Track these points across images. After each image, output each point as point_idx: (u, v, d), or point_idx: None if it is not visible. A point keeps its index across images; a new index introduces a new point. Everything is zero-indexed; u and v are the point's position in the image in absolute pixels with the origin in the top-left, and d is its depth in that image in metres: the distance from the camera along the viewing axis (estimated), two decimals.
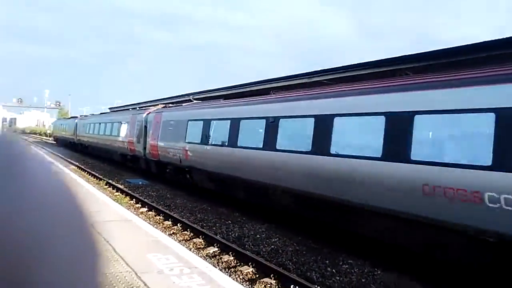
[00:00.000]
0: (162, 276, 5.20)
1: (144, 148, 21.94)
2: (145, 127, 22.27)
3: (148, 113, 22.89)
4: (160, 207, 14.30)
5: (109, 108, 48.70)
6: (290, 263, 9.06)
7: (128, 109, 33.63)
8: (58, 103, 59.14)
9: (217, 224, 12.43)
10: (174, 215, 13.06)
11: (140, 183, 20.60)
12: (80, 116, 48.12)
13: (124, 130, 25.93)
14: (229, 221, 12.74)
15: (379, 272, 8.49)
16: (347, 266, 8.86)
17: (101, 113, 43.90)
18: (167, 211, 13.65)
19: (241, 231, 11.62)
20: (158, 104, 28.01)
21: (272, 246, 10.27)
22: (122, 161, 27.60)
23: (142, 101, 37.23)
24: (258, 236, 11.16)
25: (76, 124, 41.89)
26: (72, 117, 51.61)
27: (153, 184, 20.31)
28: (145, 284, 4.87)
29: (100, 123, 32.32)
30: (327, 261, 9.13)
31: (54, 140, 57.51)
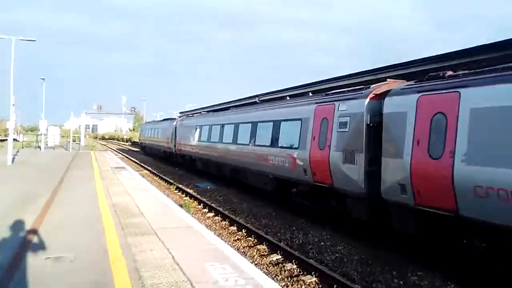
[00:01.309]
0: (217, 286, 5.18)
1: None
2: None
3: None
4: (226, 212, 14.47)
5: (180, 113, 50.08)
6: (355, 273, 8.71)
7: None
8: (133, 109, 62.01)
9: (282, 230, 12.31)
10: (240, 220, 13.15)
11: (208, 187, 21.04)
12: (181, 115, 41.32)
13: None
14: (294, 227, 12.56)
15: (452, 286, 7.88)
16: (416, 278, 8.33)
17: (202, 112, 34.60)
18: (232, 216, 13.77)
19: (305, 238, 11.40)
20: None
21: (337, 254, 9.95)
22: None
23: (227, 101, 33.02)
24: (322, 243, 10.88)
25: (176, 128, 31.01)
26: (168, 119, 41.93)
27: (220, 188, 20.66)
28: None
29: (223, 125, 21.07)
30: (395, 272, 8.65)
31: (141, 148, 50.90)
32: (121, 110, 58.89)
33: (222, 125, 20.84)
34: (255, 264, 9.34)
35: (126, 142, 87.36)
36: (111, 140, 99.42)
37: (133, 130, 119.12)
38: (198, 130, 25.11)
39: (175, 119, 35.24)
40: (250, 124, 17.33)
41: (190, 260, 6.26)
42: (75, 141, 48.55)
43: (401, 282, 8.13)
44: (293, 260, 9.38)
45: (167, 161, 35.24)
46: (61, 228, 8.14)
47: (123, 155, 44.53)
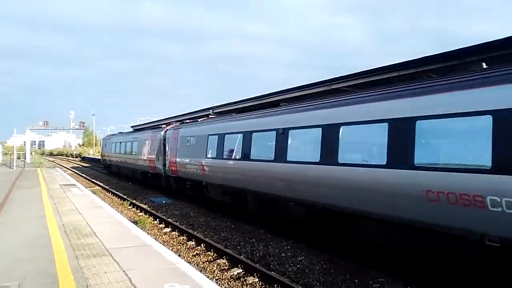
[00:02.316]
0: None
1: None
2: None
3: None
4: (183, 227, 14.06)
5: (132, 127, 48.72)
6: (318, 284, 8.63)
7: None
8: (82, 124, 59.72)
9: (241, 243, 12.08)
10: (198, 235, 12.79)
11: (164, 202, 20.48)
12: (171, 122, 26.89)
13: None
14: (254, 239, 12.38)
15: None
16: (377, 285, 8.36)
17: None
18: (190, 231, 13.39)
19: (266, 250, 11.24)
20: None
21: (299, 265, 9.85)
22: None
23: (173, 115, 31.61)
24: (283, 254, 10.75)
25: (166, 139, 22.86)
26: (148, 127, 32.70)
27: (176, 202, 20.16)
28: None
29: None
30: (357, 280, 8.65)
31: (105, 167, 41.86)
32: (70, 125, 56.45)
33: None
34: (216, 280, 9.06)
35: (76, 157, 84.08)
36: (59, 156, 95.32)
37: (83, 145, 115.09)
38: (217, 140, 16.10)
39: (161, 127, 25.06)
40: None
41: (149, 281, 5.92)
42: (19, 158, 45.96)
43: None
44: (255, 273, 9.18)
45: (137, 182, 29.24)
46: (4, 253, 7.48)
47: (72, 171, 42.73)
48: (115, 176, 35.90)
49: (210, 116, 21.93)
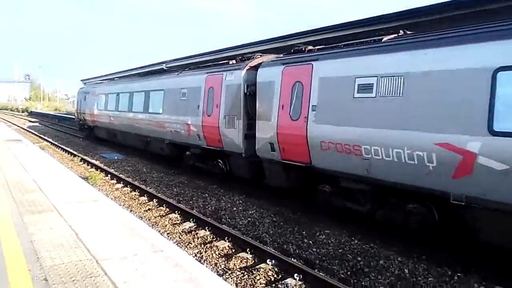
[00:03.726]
0: (125, 262, 4.93)
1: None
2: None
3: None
4: (136, 183, 13.95)
5: (81, 80, 46.51)
6: (267, 236, 8.91)
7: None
8: (27, 76, 56.65)
9: (194, 198, 12.19)
10: (150, 190, 12.76)
11: (116, 157, 20.11)
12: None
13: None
14: (206, 194, 12.51)
15: (356, 241, 8.41)
16: (324, 236, 8.76)
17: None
18: (142, 187, 13.32)
19: (218, 204, 11.41)
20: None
21: (249, 219, 10.10)
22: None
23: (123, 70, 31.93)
24: (235, 208, 10.97)
25: (252, 85, 11.87)
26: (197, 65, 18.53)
27: (129, 158, 19.85)
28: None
29: None
30: (304, 232, 9.01)
31: (81, 129, 30.35)
32: (14, 77, 53.29)
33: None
34: (168, 234, 9.15)
35: (22, 112, 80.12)
36: (3, 111, 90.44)
37: (30, 99, 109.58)
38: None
39: (228, 65, 13.67)
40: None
41: (96, 236, 5.87)
42: None
43: (311, 242, 8.49)
44: (206, 227, 9.35)
45: (71, 131, 29.83)
46: None
47: (18, 126, 40.80)
48: (64, 131, 34.44)
49: None
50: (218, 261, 7.72)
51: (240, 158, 12.27)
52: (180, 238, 8.99)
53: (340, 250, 8.04)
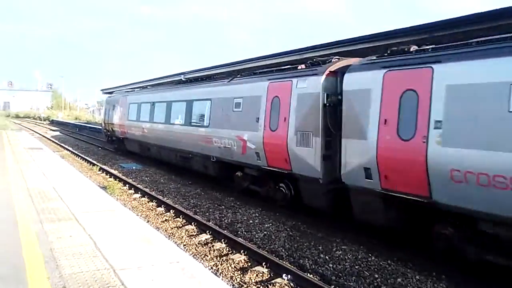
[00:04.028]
0: (142, 272, 4.96)
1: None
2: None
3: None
4: (153, 193, 14.06)
5: (101, 90, 47.07)
6: (283, 250, 8.87)
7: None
8: (49, 86, 57.91)
9: (210, 210, 12.21)
10: (167, 201, 12.84)
11: (134, 167, 20.32)
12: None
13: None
14: (223, 206, 12.53)
15: (373, 258, 8.29)
16: (340, 252, 8.66)
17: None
18: (159, 197, 13.41)
19: (234, 217, 11.41)
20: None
21: (265, 232, 10.07)
22: None
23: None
24: (251, 221, 10.95)
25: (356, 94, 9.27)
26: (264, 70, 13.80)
27: (147, 168, 20.03)
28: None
29: None
30: (320, 247, 8.93)
31: (109, 140, 28.33)
32: (37, 86, 54.58)
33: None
34: (184, 245, 9.18)
35: (43, 121, 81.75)
36: (26, 119, 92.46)
37: (51, 108, 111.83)
38: None
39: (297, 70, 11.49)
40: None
41: (114, 245, 5.93)
42: None
43: (327, 257, 8.41)
44: (222, 239, 9.34)
45: (91, 140, 29.50)
46: None
47: (40, 134, 41.64)
48: (84, 140, 34.96)
49: None
50: (234, 274, 7.70)
51: (314, 184, 9.99)
52: (196, 250, 9.01)
53: (357, 267, 7.94)
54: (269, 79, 11.70)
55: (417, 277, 7.44)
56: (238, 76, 14.36)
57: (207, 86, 15.73)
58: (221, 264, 8.13)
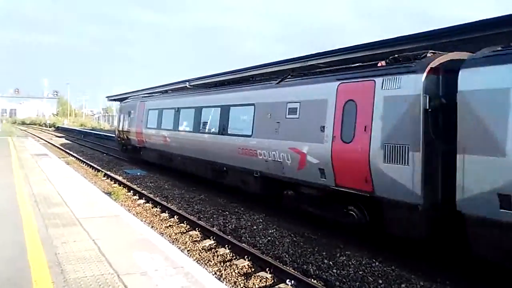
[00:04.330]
0: (146, 277, 4.99)
1: None
2: None
3: None
4: (157, 199, 14.11)
5: (106, 97, 47.23)
6: (287, 256, 8.85)
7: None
8: (55, 93, 58.36)
9: (214, 215, 12.22)
10: (171, 207, 12.87)
11: (138, 173, 20.39)
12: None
13: None
14: (227, 212, 12.54)
15: (377, 263, 8.27)
16: (344, 257, 8.64)
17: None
18: (163, 203, 13.45)
19: (238, 223, 11.41)
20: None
21: (269, 238, 10.06)
22: None
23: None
24: (255, 227, 10.95)
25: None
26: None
27: (151, 174, 20.09)
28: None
29: None
30: (324, 253, 8.91)
31: (123, 149, 26.23)
32: (43, 93, 55.06)
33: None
34: (188, 251, 9.19)
35: (49, 127, 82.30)
36: (32, 126, 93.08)
37: (57, 115, 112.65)
38: None
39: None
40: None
41: (117, 250, 5.97)
42: None
43: (331, 263, 8.39)
44: (226, 245, 9.35)
45: (95, 147, 29.80)
46: None
47: (46, 141, 41.90)
48: (90, 146, 35.14)
49: None
50: (237, 279, 7.70)
51: (409, 210, 7.94)
52: (200, 255, 9.02)
53: (360, 272, 7.91)
54: (339, 79, 9.57)
55: (422, 283, 7.41)
56: (289, 77, 12.03)
57: (249, 89, 13.57)
58: (225, 270, 8.13)
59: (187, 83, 22.21)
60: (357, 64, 10.22)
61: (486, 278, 7.43)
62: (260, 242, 9.80)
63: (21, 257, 5.54)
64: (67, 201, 9.29)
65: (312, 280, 7.45)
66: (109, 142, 38.15)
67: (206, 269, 7.75)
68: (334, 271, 8.01)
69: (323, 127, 9.59)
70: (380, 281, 7.53)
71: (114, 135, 28.92)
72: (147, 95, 25.44)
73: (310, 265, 8.31)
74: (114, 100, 45.11)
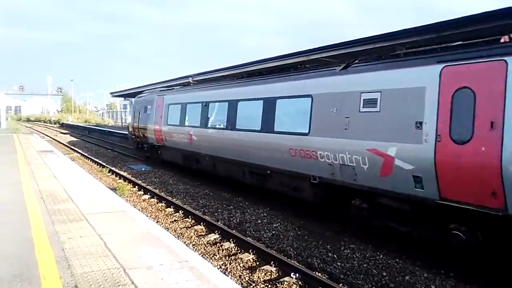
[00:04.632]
0: (151, 271, 5.05)
1: None
2: None
3: None
4: (162, 194, 14.18)
5: (111, 93, 47.35)
6: (291, 249, 8.91)
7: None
8: (59, 90, 58.40)
9: (219, 210, 12.29)
10: (176, 202, 12.94)
11: (143, 169, 20.48)
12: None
13: None
14: (231, 207, 12.60)
15: (381, 256, 8.31)
16: (349, 250, 8.68)
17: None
18: (168, 198, 13.52)
19: (242, 217, 11.47)
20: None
21: (274, 232, 10.11)
22: None
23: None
24: (259, 221, 11.00)
25: None
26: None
27: (156, 169, 20.18)
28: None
29: None
30: (329, 246, 8.96)
31: (138, 147, 24.42)
32: (47, 90, 55.18)
33: None
34: (193, 245, 9.26)
35: (54, 124, 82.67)
36: (37, 122, 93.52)
37: (61, 111, 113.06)
38: None
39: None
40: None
41: (123, 245, 6.04)
42: None
43: (335, 256, 8.44)
44: (231, 239, 9.41)
45: (100, 143, 30.20)
46: None
47: (50, 137, 42.09)
48: (95, 143, 35.32)
49: None
50: (242, 273, 7.76)
51: None
52: (205, 249, 9.09)
53: (365, 265, 7.96)
54: (442, 61, 7.49)
55: (425, 275, 7.44)
56: (359, 61, 9.93)
57: (303, 77, 11.16)
58: (230, 264, 8.20)
59: (217, 73, 20.07)
60: (461, 42, 7.96)
61: (488, 270, 7.45)
62: (265, 236, 9.85)
63: (28, 253, 5.61)
64: (73, 197, 9.37)
65: (317, 273, 7.49)
66: (113, 138, 38.37)
67: (211, 263, 7.81)
68: (339, 264, 8.06)
69: (420, 123, 7.57)
70: (384, 274, 7.57)
71: (118, 131, 29.07)
72: (165, 88, 23.69)
73: (315, 258, 8.36)
74: (118, 96, 45.23)
